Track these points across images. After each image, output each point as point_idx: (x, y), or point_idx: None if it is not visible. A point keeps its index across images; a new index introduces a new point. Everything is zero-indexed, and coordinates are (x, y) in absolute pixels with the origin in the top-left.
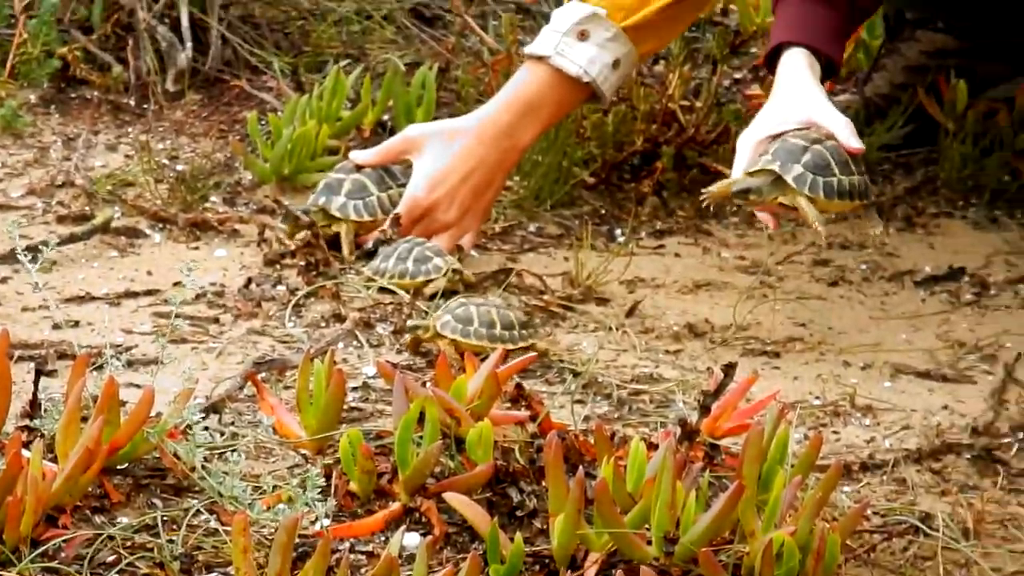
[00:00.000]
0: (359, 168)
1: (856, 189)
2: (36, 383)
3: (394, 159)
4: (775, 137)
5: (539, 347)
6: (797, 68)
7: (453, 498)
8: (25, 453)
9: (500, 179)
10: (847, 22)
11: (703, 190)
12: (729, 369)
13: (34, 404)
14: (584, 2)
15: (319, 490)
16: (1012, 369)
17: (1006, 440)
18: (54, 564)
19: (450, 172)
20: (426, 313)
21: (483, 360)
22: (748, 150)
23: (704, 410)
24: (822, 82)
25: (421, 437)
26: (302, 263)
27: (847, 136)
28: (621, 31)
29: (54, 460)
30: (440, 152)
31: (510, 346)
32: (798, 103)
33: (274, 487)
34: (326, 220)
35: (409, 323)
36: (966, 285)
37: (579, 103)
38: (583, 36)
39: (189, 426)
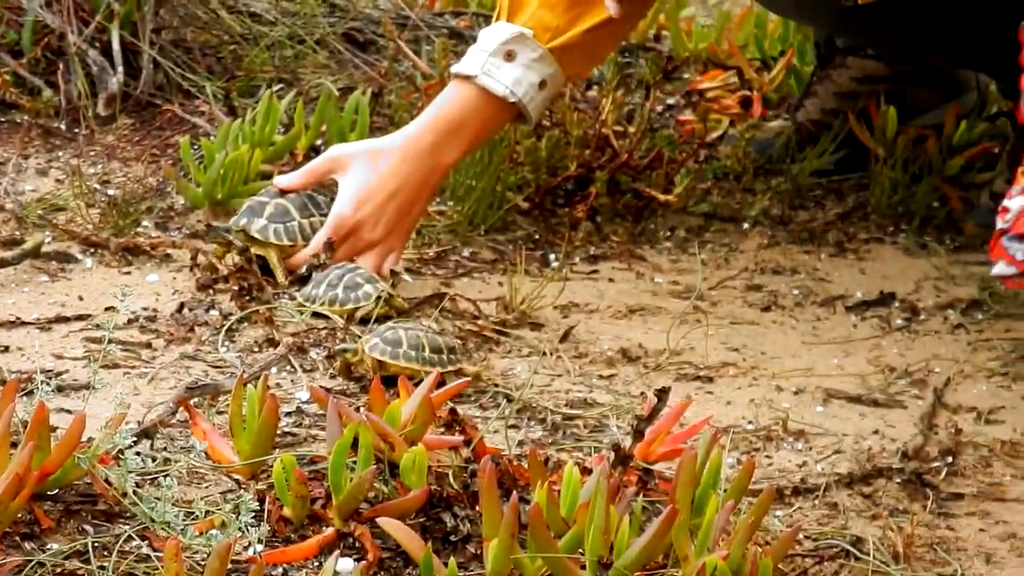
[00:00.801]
0: (283, 193)
1: None
2: None
3: (318, 179)
4: None
5: (467, 371)
6: None
7: (387, 523)
8: None
9: (425, 198)
10: None
11: None
12: (662, 394)
13: None
14: (510, 22)
15: (252, 515)
16: (941, 394)
17: (935, 464)
18: None
19: (375, 191)
20: (357, 337)
21: (416, 384)
22: None
23: (638, 435)
24: None
25: (355, 462)
26: (235, 288)
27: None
28: (548, 52)
29: None
30: (365, 171)
31: (439, 369)
32: None
33: (207, 512)
34: (247, 242)
35: (338, 347)
36: (896, 310)
37: (504, 123)
38: (509, 56)
39: (121, 451)
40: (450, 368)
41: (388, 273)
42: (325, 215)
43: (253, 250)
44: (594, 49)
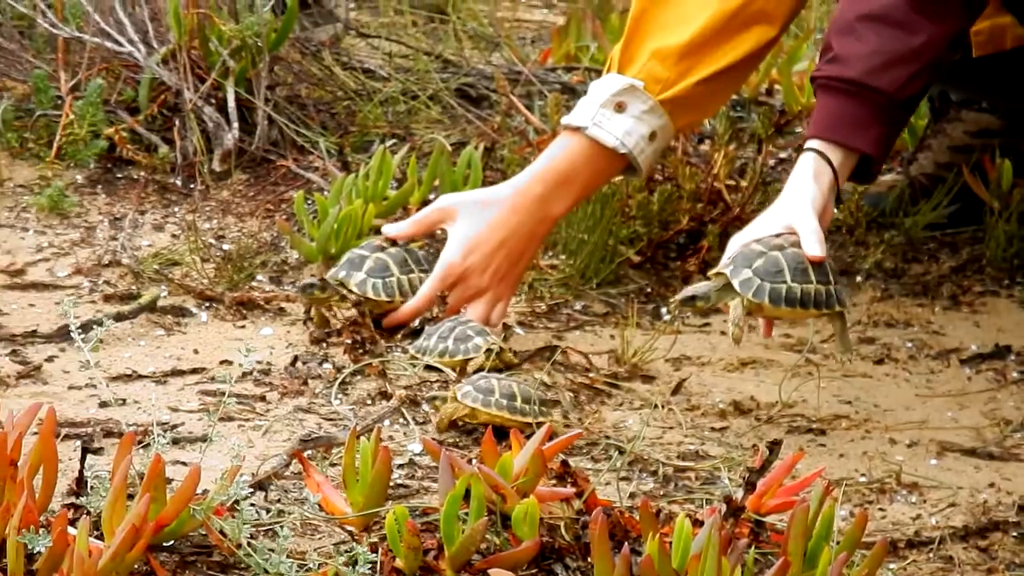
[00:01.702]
0: (383, 248)
1: (811, 298)
2: (83, 461)
3: (428, 229)
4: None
5: (562, 422)
6: (801, 173)
7: (499, 575)
8: (71, 531)
9: (532, 249)
10: (884, 112)
11: (672, 300)
12: (774, 446)
13: (80, 482)
14: (621, 74)
15: (367, 567)
16: None
17: None
18: None
19: (485, 239)
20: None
21: (528, 437)
22: (733, 251)
23: (749, 487)
24: (862, 178)
25: (467, 514)
26: (348, 341)
27: (810, 242)
28: (658, 103)
29: (100, 537)
30: (474, 220)
31: (529, 419)
32: (784, 209)
33: (320, 564)
34: (347, 294)
35: (430, 394)
36: (1012, 363)
37: (614, 175)
38: (620, 108)
39: (236, 503)
40: (540, 419)
41: (500, 326)
42: (425, 271)
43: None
44: (705, 102)
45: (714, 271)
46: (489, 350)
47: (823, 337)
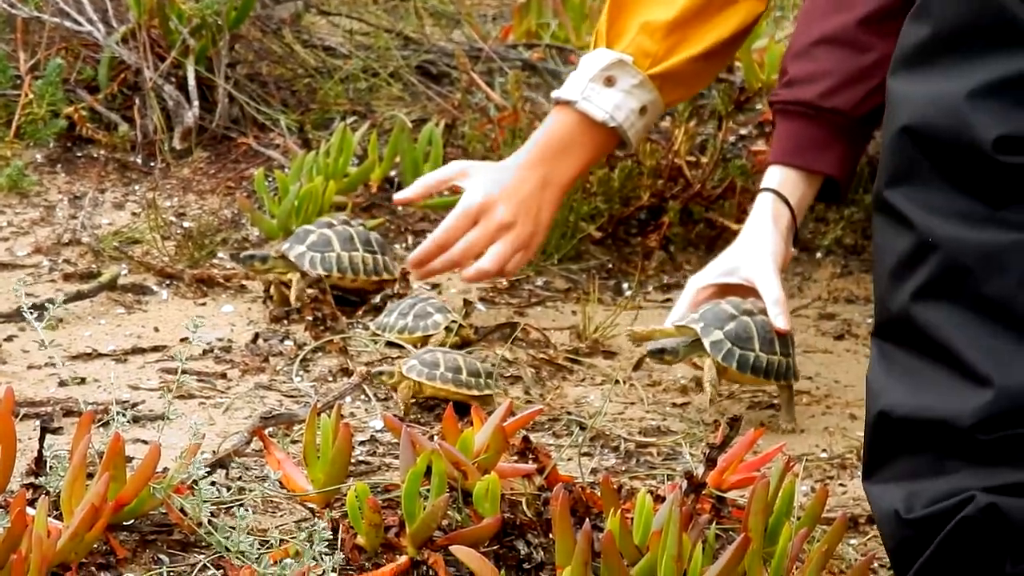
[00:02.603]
0: (334, 224)
1: (775, 369)
2: (41, 440)
3: (438, 187)
4: (716, 292)
5: (507, 395)
6: (760, 216)
7: (461, 551)
8: (30, 511)
9: (548, 208)
10: (843, 132)
11: (629, 330)
12: (735, 423)
13: (39, 461)
14: (610, 49)
15: (326, 544)
16: None
17: None
18: None
19: (504, 183)
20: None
21: (490, 413)
22: (691, 293)
23: (710, 463)
24: (831, 199)
25: (428, 490)
26: (309, 318)
27: (776, 313)
28: (647, 78)
29: (59, 517)
30: (489, 178)
31: (475, 392)
32: (747, 260)
33: (281, 541)
34: (284, 267)
35: (375, 369)
36: None
37: (609, 148)
38: (609, 82)
39: (196, 481)
40: (487, 392)
41: (465, 304)
42: (371, 251)
43: (287, 275)
44: (694, 77)
45: (679, 323)
46: (448, 327)
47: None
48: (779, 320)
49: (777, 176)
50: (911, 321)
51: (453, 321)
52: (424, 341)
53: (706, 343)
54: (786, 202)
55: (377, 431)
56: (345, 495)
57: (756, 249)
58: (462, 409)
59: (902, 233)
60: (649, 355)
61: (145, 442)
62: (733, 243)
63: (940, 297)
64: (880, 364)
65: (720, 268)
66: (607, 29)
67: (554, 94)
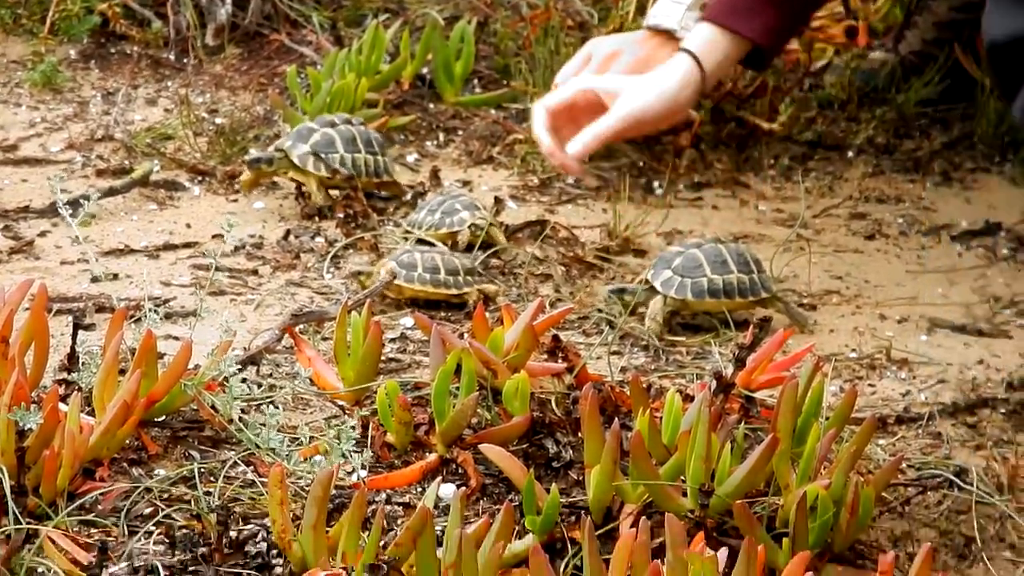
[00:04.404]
0: (337, 123)
1: (734, 288)
2: (74, 337)
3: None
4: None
5: (487, 291)
6: (673, 70)
7: (489, 450)
8: (62, 407)
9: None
10: (776, 3)
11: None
12: (764, 323)
13: (72, 357)
14: None
15: (355, 442)
16: None
17: None
18: (91, 517)
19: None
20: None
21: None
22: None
23: (739, 363)
24: (755, 66)
25: (458, 388)
26: (340, 215)
27: (591, 131)
28: None
29: (91, 413)
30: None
31: (453, 291)
32: (635, 91)
33: (311, 439)
34: (288, 166)
35: (354, 269)
36: (1002, 240)
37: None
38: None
39: (227, 378)
40: (467, 289)
41: (492, 201)
42: (372, 152)
43: (290, 174)
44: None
45: (639, 279)
46: (475, 225)
47: (815, 212)
48: (577, 144)
49: (703, 34)
50: None
51: (481, 218)
52: (451, 237)
53: (657, 284)
54: (700, 65)
55: (407, 328)
56: (375, 393)
57: (651, 87)
58: (439, 306)
59: None
60: (611, 293)
61: (177, 338)
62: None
63: None
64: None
65: (611, 80)
66: None
67: (649, 22)
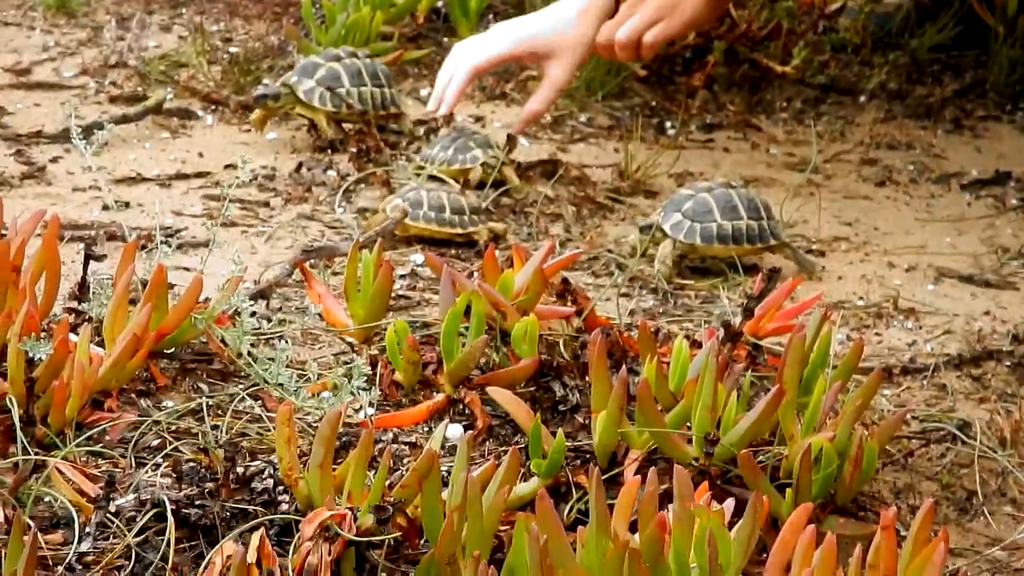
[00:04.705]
0: (342, 57)
1: (743, 234)
2: (85, 266)
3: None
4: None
5: (495, 229)
6: None
7: (497, 392)
8: (73, 337)
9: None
10: None
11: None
12: (773, 274)
13: (83, 287)
14: None
15: (364, 379)
16: None
17: None
18: (99, 448)
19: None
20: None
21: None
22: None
23: (748, 313)
24: None
25: (467, 328)
26: (353, 150)
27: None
28: None
29: (101, 344)
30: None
31: (458, 230)
32: (553, 38)
33: (319, 374)
34: (294, 102)
35: (359, 206)
36: (1012, 189)
37: None
38: None
39: (237, 312)
40: (471, 229)
41: (504, 138)
42: (379, 85)
43: (297, 109)
44: None
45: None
46: (487, 163)
47: (826, 157)
48: (524, 113)
49: None
50: None
51: (493, 157)
52: (464, 174)
53: (666, 227)
54: None
55: (417, 265)
56: (384, 330)
57: (567, 29)
58: (449, 244)
59: None
60: (641, 229)
61: (188, 269)
62: (540, 11)
63: None
64: None
65: (518, 33)
66: None
67: None
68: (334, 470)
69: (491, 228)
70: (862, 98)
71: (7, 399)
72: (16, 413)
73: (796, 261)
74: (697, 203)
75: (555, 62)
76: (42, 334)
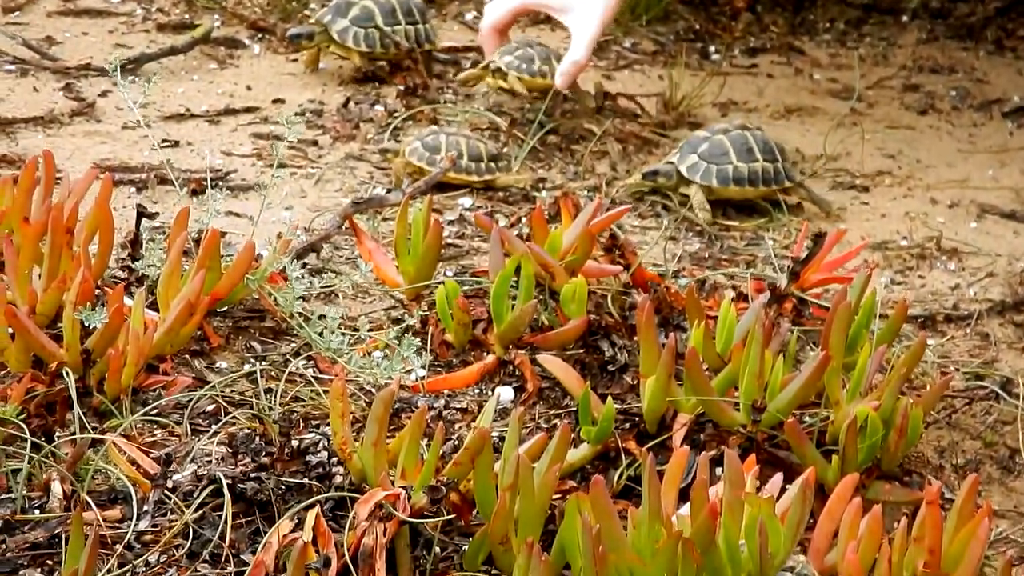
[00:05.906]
0: None
1: (759, 176)
2: (138, 223)
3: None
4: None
5: (510, 180)
6: None
7: (547, 360)
8: (127, 300)
9: None
10: None
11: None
12: (819, 238)
13: (135, 243)
14: None
15: (416, 342)
16: None
17: None
18: (154, 416)
19: None
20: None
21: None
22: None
23: (793, 276)
24: None
25: (516, 283)
26: (400, 87)
27: (568, 59)
28: None
29: (154, 305)
30: None
31: (475, 178)
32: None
33: (370, 331)
34: (328, 40)
35: (381, 146)
36: None
37: None
38: None
39: (288, 274)
40: (488, 177)
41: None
42: (413, 22)
43: (331, 48)
44: None
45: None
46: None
47: (868, 83)
48: (559, 77)
49: None
50: None
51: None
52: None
53: (683, 169)
54: None
55: (466, 209)
56: (435, 288)
57: None
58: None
59: None
60: (643, 177)
61: (238, 215)
62: None
63: None
64: None
65: None
66: None
67: None
68: (388, 442)
69: (515, 178)
70: (904, 18)
71: (63, 370)
72: (72, 383)
73: (813, 201)
74: (713, 145)
75: (574, 15)
76: (96, 298)
